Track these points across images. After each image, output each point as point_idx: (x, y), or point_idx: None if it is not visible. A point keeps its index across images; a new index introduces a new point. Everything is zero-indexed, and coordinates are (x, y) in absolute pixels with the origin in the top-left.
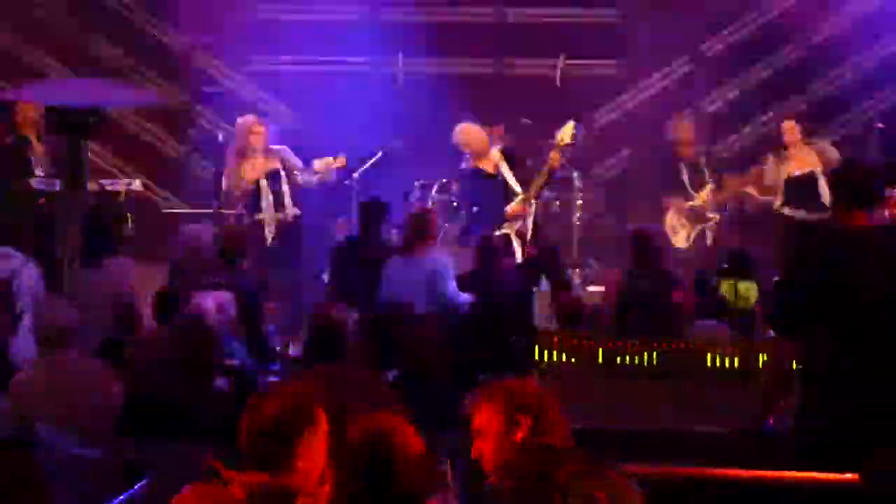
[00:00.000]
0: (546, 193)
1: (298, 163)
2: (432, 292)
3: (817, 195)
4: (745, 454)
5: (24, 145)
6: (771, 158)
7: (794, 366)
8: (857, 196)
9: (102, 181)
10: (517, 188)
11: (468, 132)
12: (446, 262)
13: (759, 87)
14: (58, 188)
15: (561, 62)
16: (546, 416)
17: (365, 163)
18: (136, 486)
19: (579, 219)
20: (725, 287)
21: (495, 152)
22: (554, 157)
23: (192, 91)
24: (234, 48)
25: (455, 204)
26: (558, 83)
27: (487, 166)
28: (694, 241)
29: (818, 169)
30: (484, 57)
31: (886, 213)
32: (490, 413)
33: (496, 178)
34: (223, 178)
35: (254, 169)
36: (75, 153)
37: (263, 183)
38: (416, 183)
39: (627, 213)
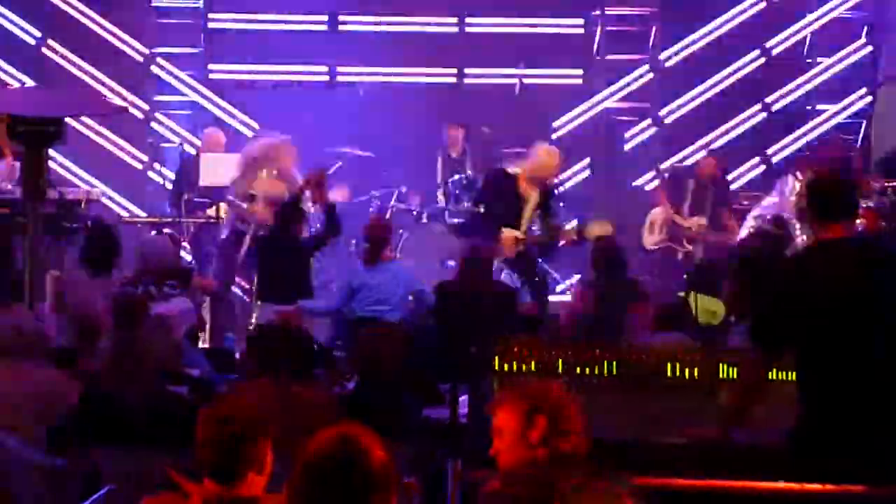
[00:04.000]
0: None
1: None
2: (408, 302)
3: None
4: (711, 464)
5: None
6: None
7: (768, 377)
8: (830, 208)
9: (62, 190)
10: (522, 225)
11: (549, 155)
12: (412, 271)
13: (719, 97)
14: (17, 196)
15: (520, 72)
16: (563, 421)
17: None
18: (94, 497)
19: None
20: (692, 301)
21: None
22: (568, 232)
23: (153, 101)
24: (195, 57)
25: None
26: (517, 92)
27: (525, 189)
28: (660, 251)
29: None
30: (444, 66)
31: (860, 224)
32: (509, 413)
33: (521, 200)
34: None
35: (262, 186)
36: (36, 162)
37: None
38: (375, 193)
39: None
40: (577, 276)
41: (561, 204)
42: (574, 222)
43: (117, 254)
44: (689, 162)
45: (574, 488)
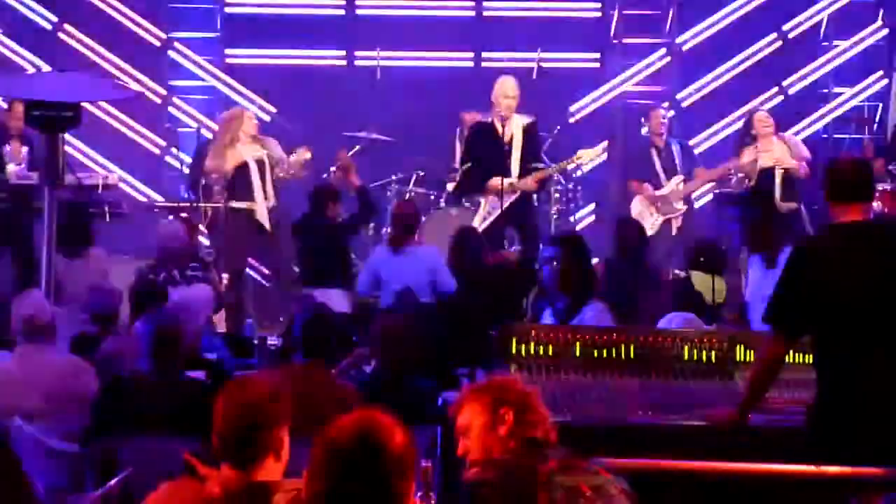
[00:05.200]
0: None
1: (283, 157)
2: (432, 286)
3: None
4: (729, 447)
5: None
6: (748, 150)
7: (785, 360)
8: (848, 190)
9: (79, 175)
10: (514, 169)
11: (500, 83)
12: (439, 254)
13: (735, 81)
14: (35, 182)
15: (538, 56)
16: (529, 410)
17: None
18: (112, 481)
19: (556, 211)
20: (698, 281)
21: (519, 122)
22: (562, 166)
23: (170, 85)
24: (212, 42)
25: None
26: (534, 76)
27: (505, 131)
28: (659, 230)
29: (784, 162)
30: (462, 51)
31: (877, 206)
32: (474, 410)
33: (505, 146)
34: (207, 158)
35: (240, 154)
36: (52, 147)
37: (253, 167)
38: (393, 177)
39: (603, 205)
40: (595, 261)
41: (578, 187)
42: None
43: (90, 235)
44: (704, 146)
45: (554, 470)
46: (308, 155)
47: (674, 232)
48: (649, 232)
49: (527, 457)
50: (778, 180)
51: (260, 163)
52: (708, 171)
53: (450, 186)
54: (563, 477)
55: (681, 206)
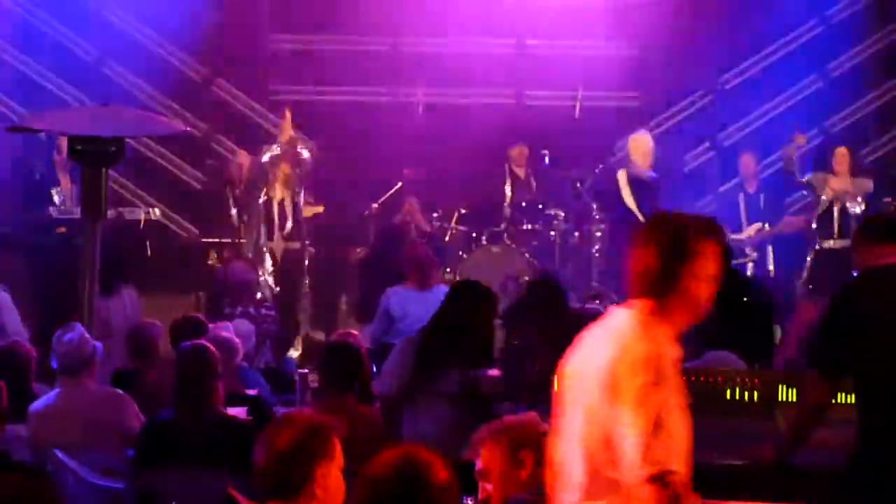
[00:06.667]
0: None
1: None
2: None
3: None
4: (770, 487)
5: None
6: (820, 177)
7: (828, 401)
8: (885, 233)
9: (121, 209)
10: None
11: (636, 141)
12: None
13: (776, 121)
14: (77, 217)
15: (579, 94)
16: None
17: (385, 193)
18: None
19: (598, 251)
20: None
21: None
22: None
23: (213, 121)
24: (255, 78)
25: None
26: (576, 115)
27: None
28: None
29: (844, 198)
30: (504, 88)
31: None
32: (493, 454)
33: None
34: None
35: (271, 191)
36: (95, 182)
37: (276, 208)
38: (435, 214)
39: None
40: None
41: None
42: None
43: (122, 275)
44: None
45: None
46: (320, 209)
47: (748, 274)
48: None
49: (548, 498)
50: (836, 214)
51: (282, 204)
52: (795, 221)
53: (502, 218)
54: None
55: (752, 253)
